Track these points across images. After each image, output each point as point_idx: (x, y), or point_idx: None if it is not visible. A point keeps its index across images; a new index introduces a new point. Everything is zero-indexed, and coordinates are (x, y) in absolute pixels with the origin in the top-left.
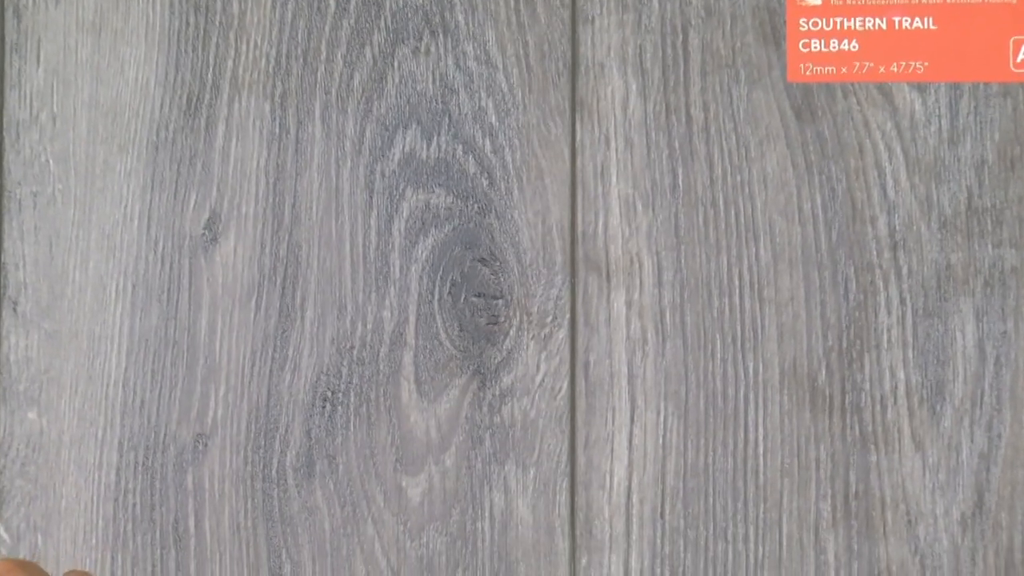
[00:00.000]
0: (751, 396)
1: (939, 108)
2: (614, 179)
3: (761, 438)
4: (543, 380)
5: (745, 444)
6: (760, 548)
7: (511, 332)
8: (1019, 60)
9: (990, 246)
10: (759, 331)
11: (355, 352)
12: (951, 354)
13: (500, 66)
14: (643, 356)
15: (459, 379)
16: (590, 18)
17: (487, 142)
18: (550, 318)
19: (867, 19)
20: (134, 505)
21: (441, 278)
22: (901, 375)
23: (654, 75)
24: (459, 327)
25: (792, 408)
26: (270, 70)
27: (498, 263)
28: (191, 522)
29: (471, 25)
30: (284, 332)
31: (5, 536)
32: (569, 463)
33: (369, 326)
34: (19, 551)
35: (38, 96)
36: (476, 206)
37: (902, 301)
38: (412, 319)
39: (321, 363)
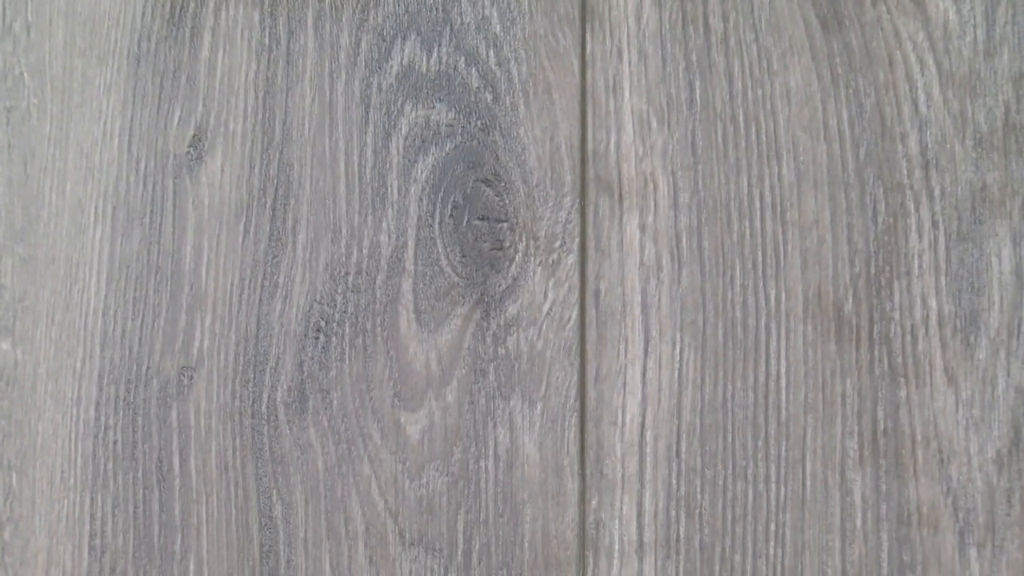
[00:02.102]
0: (773, 326)
1: (974, 17)
2: (627, 94)
3: (783, 371)
4: (551, 309)
5: (766, 378)
6: (782, 488)
7: (517, 258)
8: None
9: None
10: (781, 256)
11: (350, 279)
12: (986, 281)
13: None
14: (658, 283)
15: (461, 308)
16: None
17: (491, 54)
18: (558, 243)
19: None
20: (115, 442)
21: (442, 200)
22: (933, 304)
23: None
24: (461, 252)
25: (817, 339)
26: None
27: (503, 184)
28: (176, 460)
29: None
30: (274, 257)
31: None
32: (579, 398)
33: (365, 251)
34: None
35: (11, 4)
36: (479, 122)
37: (934, 224)
38: (411, 244)
39: (314, 291)
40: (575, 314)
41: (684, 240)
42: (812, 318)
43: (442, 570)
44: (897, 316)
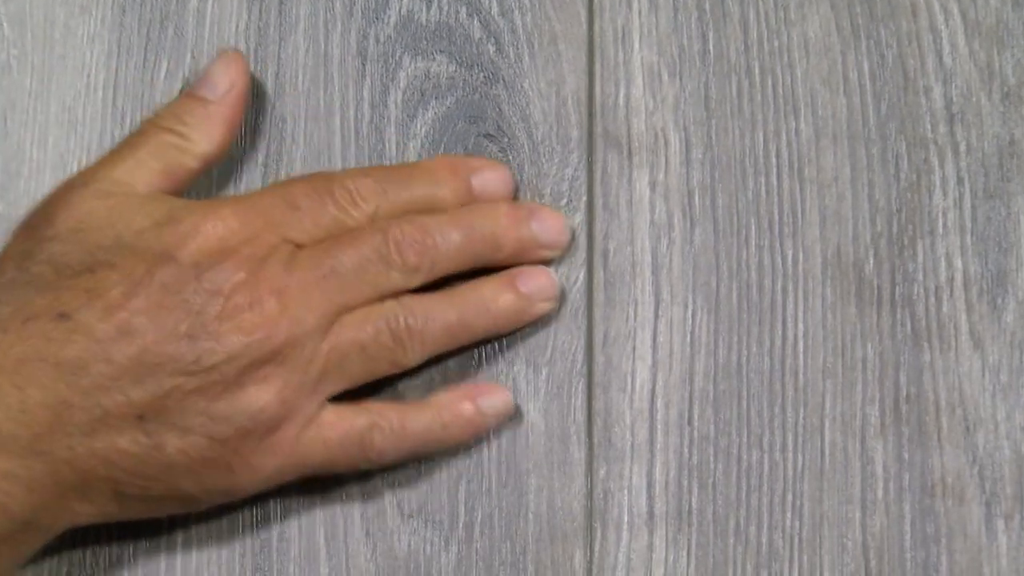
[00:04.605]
0: (790, 288)
1: None
2: (637, 44)
3: (801, 335)
4: (556, 270)
5: (783, 342)
6: (799, 457)
7: None
8: None
9: None
10: (799, 215)
11: None
12: (1014, 240)
13: None
14: (669, 243)
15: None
16: None
17: (494, 3)
18: (564, 201)
19: None
20: None
21: None
22: (958, 264)
23: None
24: None
25: (836, 301)
26: None
27: (506, 139)
28: None
29: None
30: None
31: None
32: (586, 363)
33: None
34: None
35: None
36: (482, 75)
37: (959, 181)
38: None
39: None
40: (582, 275)
41: (697, 198)
42: (831, 279)
43: (442, 542)
44: (920, 277)
